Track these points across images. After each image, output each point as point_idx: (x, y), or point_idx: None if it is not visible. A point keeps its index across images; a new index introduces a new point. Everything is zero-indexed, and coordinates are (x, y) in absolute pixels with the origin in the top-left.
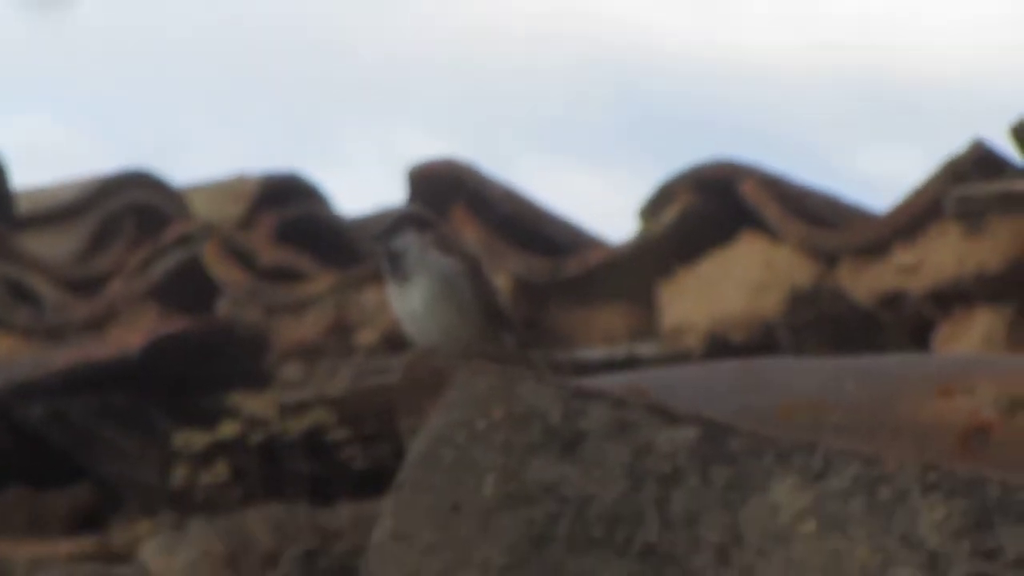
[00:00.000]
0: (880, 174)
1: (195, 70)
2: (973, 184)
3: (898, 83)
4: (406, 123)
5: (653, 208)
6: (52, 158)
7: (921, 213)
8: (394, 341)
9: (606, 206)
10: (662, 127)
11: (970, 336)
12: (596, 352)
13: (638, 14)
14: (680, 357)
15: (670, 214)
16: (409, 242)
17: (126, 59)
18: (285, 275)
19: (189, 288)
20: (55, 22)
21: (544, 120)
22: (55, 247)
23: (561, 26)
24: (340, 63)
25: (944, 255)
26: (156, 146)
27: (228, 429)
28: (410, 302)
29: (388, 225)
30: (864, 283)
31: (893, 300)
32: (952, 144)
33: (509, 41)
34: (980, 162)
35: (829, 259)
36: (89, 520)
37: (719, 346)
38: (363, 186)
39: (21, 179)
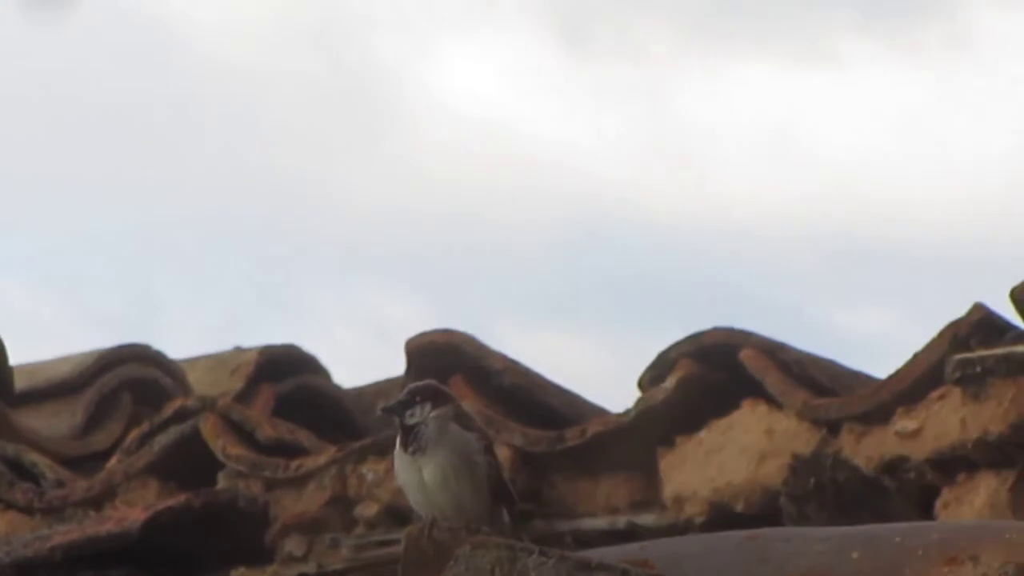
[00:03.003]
0: (862, 333)
1: (166, 229)
2: (975, 349)
3: (880, 239)
4: (377, 283)
5: (652, 376)
6: (23, 327)
7: (922, 378)
8: (396, 514)
9: (582, 369)
10: (638, 286)
11: (973, 501)
12: (598, 522)
13: (613, 170)
14: (682, 527)
15: (670, 383)
16: (426, 415)
17: (95, 219)
18: (285, 448)
19: (189, 463)
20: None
21: (519, 280)
22: (53, 423)
23: (535, 182)
24: (310, 221)
25: (946, 420)
26: (128, 312)
27: None
28: (423, 473)
29: (401, 398)
30: (866, 449)
31: (895, 466)
32: (936, 303)
33: (483, 195)
34: (981, 325)
35: (831, 426)
36: None
37: (722, 515)
38: (334, 347)
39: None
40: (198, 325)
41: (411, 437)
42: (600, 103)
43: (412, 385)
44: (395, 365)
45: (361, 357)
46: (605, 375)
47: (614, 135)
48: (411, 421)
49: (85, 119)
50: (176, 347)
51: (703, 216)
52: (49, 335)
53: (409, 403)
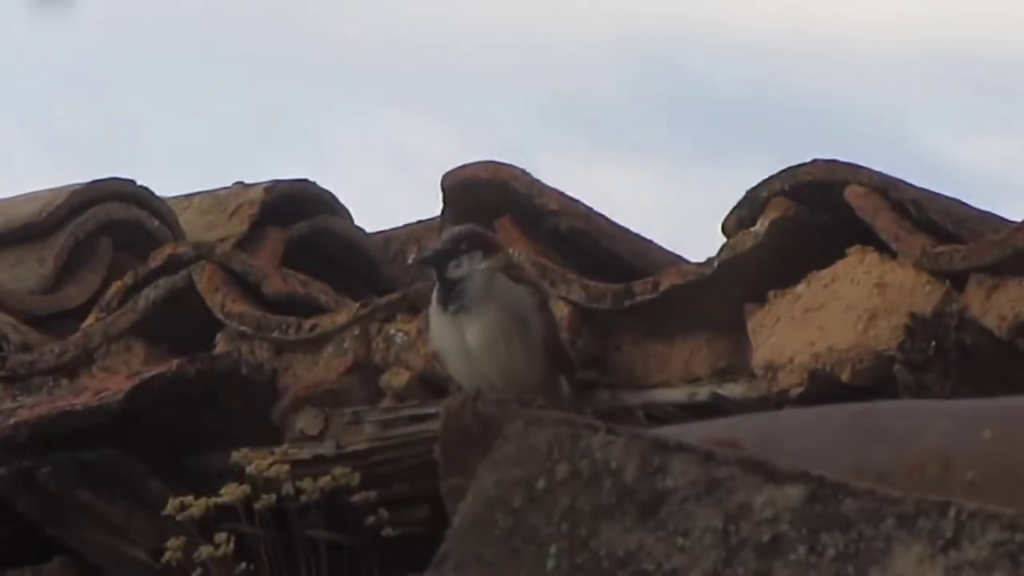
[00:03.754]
0: (976, 169)
1: (141, 44)
2: None
3: (1003, 59)
4: (394, 109)
5: (739, 219)
6: None
7: None
8: (431, 383)
9: (646, 211)
10: (714, 114)
11: None
12: (675, 393)
13: None
14: (777, 400)
15: (761, 227)
16: (474, 266)
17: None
18: (297, 305)
19: (181, 322)
20: (50, 20)
21: (566, 104)
22: (16, 274)
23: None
24: (323, 42)
25: None
26: (98, 139)
27: (231, 492)
28: (467, 337)
29: (442, 246)
30: (998, 307)
31: None
32: None
33: (524, 17)
34: None
35: (955, 279)
36: None
37: (824, 386)
38: (343, 175)
39: None
40: (182, 157)
41: (452, 293)
42: None
43: (455, 230)
44: (423, 204)
45: (379, 195)
46: (674, 218)
47: None
48: (456, 274)
49: None
50: (159, 183)
51: (793, 32)
52: (3, 165)
53: (452, 252)
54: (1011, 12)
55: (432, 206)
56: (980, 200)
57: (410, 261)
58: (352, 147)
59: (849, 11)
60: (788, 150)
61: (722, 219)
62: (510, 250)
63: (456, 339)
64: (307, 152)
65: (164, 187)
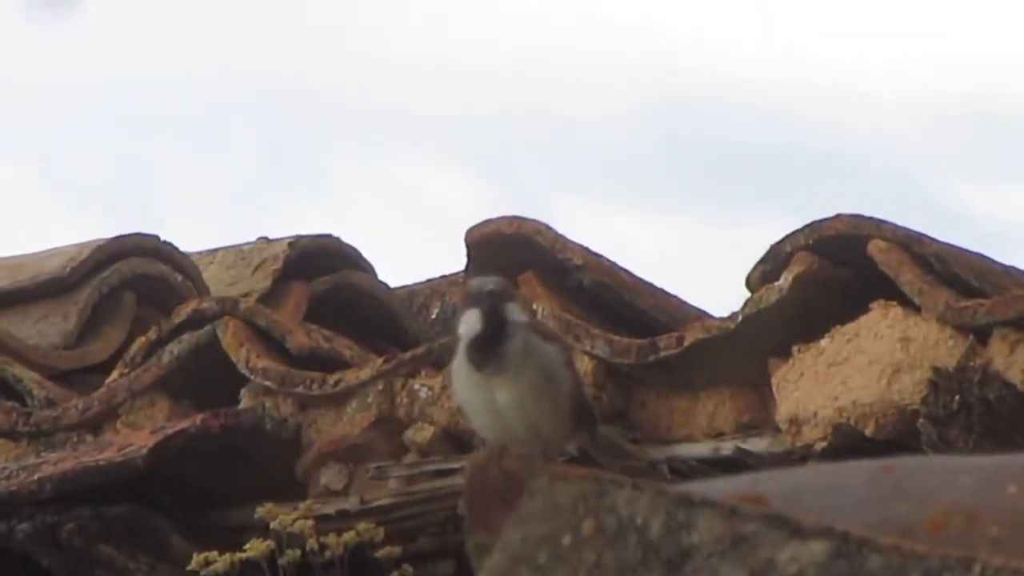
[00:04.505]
0: (989, 215)
1: (157, 88)
2: None
3: (1007, 108)
4: (410, 156)
5: (764, 273)
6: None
7: None
8: (455, 438)
9: (661, 258)
10: (728, 162)
11: None
12: (699, 448)
13: (699, 28)
14: (801, 454)
15: (785, 281)
16: (519, 316)
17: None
18: (321, 360)
19: (205, 377)
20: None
21: (580, 155)
22: (41, 329)
23: (608, 37)
24: (340, 90)
25: None
26: (115, 185)
27: (256, 548)
28: (497, 395)
29: (495, 288)
30: (1021, 362)
31: None
32: None
33: (544, 51)
34: None
35: (978, 333)
36: None
37: (847, 440)
38: (358, 223)
39: None
40: (197, 205)
41: (488, 349)
42: None
43: (492, 279)
44: (439, 254)
45: (394, 244)
46: (690, 271)
47: None
48: (513, 317)
49: None
50: (173, 228)
51: (804, 81)
52: (22, 211)
53: (504, 295)
54: None
55: (447, 255)
56: (995, 249)
57: (434, 315)
58: (367, 195)
59: (858, 56)
60: (805, 202)
61: (745, 273)
62: (532, 306)
63: (485, 395)
64: (321, 199)
65: (178, 233)
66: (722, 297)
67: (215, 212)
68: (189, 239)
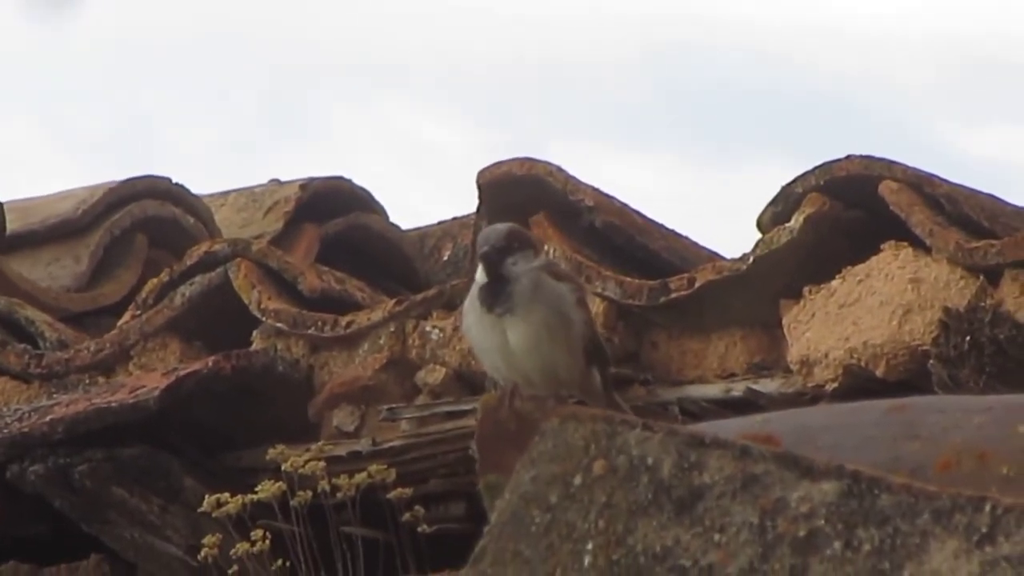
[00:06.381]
0: (998, 158)
1: (154, 38)
2: None
3: (1008, 52)
4: (403, 101)
5: (775, 215)
6: None
7: None
8: (466, 380)
9: (660, 200)
10: (727, 103)
11: None
12: (710, 389)
13: None
14: (812, 395)
15: (796, 222)
16: (529, 264)
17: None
18: (332, 302)
19: (217, 319)
20: (57, 22)
21: (573, 97)
22: (52, 271)
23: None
24: (339, 33)
25: None
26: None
27: (267, 489)
28: (509, 336)
29: (498, 243)
30: None
31: None
32: None
33: (532, 10)
34: None
35: (989, 274)
36: None
37: (858, 381)
38: (356, 166)
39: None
40: (198, 149)
41: (500, 293)
42: None
43: (504, 228)
44: (442, 198)
45: (396, 187)
46: (691, 209)
47: None
48: (512, 272)
49: None
50: (176, 175)
51: (803, 21)
52: (24, 160)
53: (508, 249)
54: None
55: (448, 200)
56: (987, 186)
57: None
58: (367, 141)
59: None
60: (804, 143)
61: (744, 213)
62: (546, 247)
63: (497, 337)
64: (321, 145)
65: (180, 179)
66: (721, 237)
67: (215, 160)
68: (183, 178)
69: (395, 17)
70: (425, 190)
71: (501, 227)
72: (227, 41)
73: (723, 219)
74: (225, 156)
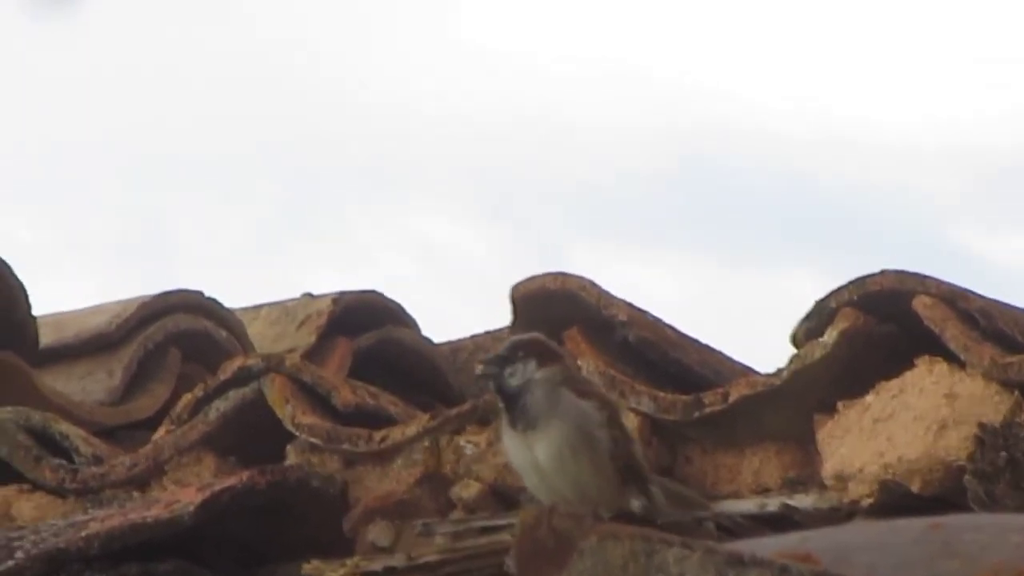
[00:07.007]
0: (1009, 265)
1: (173, 141)
2: None
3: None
4: (424, 205)
5: (808, 329)
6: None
7: None
8: (501, 494)
9: (676, 303)
10: (747, 210)
11: None
12: (745, 504)
13: (716, 79)
14: (847, 511)
15: (829, 337)
16: (529, 375)
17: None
18: (366, 416)
19: (251, 434)
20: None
21: (594, 201)
22: (86, 386)
23: (623, 87)
24: (346, 136)
25: None
26: (136, 238)
27: None
28: (535, 452)
29: (501, 352)
30: None
31: None
32: None
33: (558, 98)
34: None
35: None
36: None
37: (894, 497)
38: (380, 276)
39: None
40: (217, 255)
41: (517, 409)
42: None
43: (514, 338)
44: (454, 303)
45: (411, 293)
46: (709, 318)
47: (715, 39)
48: (511, 382)
49: None
50: (192, 279)
51: (825, 133)
52: (46, 265)
53: (509, 359)
54: None
55: (473, 310)
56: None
57: (477, 370)
58: (384, 245)
59: (881, 110)
60: (824, 249)
61: (775, 325)
62: (577, 362)
63: (527, 455)
64: (341, 248)
65: (200, 283)
66: (745, 346)
67: (234, 265)
68: (203, 282)
69: (410, 116)
70: (447, 295)
71: (513, 337)
72: (243, 143)
73: (749, 329)
74: (243, 261)
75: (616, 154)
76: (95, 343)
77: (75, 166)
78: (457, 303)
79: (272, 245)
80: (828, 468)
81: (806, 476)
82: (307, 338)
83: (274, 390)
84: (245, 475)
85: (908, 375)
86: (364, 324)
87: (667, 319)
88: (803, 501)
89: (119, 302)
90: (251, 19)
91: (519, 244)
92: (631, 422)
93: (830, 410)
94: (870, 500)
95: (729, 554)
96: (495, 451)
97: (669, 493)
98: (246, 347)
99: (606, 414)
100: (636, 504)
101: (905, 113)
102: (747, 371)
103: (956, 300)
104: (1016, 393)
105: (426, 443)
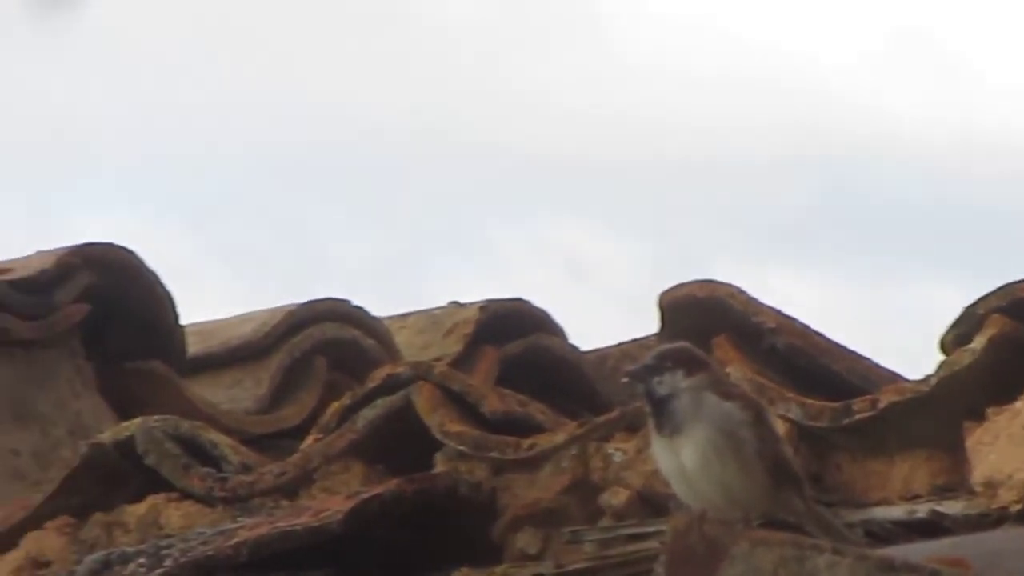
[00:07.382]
0: None
1: (314, 154)
2: None
3: None
4: (567, 216)
5: (957, 336)
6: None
7: None
8: (651, 502)
9: (821, 311)
10: (891, 217)
11: None
12: (894, 511)
13: (855, 91)
14: (996, 517)
15: (978, 344)
16: (677, 384)
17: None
18: (515, 424)
19: (399, 442)
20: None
21: (739, 213)
22: (234, 394)
23: (765, 96)
24: (490, 147)
25: None
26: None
27: None
28: (681, 458)
29: (648, 362)
30: None
31: None
32: None
33: (699, 107)
34: None
35: None
36: None
37: None
38: (517, 284)
39: None
40: (354, 263)
41: (663, 415)
42: (844, 12)
43: (662, 348)
44: (600, 312)
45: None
46: (855, 326)
47: (862, 50)
48: (660, 391)
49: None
50: (327, 288)
51: (970, 136)
52: (193, 274)
53: (657, 368)
54: None
55: (609, 314)
56: None
57: (622, 379)
58: (524, 254)
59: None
60: (967, 254)
61: (905, 330)
62: (725, 370)
63: (673, 461)
64: (484, 259)
65: (336, 292)
66: (892, 353)
67: (376, 276)
68: (338, 290)
69: (549, 121)
70: (593, 305)
71: (662, 346)
72: (378, 152)
73: (894, 336)
74: (384, 267)
75: (756, 152)
76: (242, 352)
77: (223, 177)
78: (602, 313)
79: (415, 256)
80: (977, 474)
81: (955, 483)
82: (454, 346)
83: (422, 398)
84: (393, 483)
85: None
86: (511, 332)
87: (815, 325)
88: (952, 507)
89: (266, 311)
90: (403, 39)
91: (664, 254)
92: (780, 429)
93: (979, 416)
94: (1019, 506)
95: (880, 559)
96: (643, 458)
97: (817, 516)
98: (393, 355)
99: (751, 413)
100: (797, 503)
101: None
102: (896, 378)
103: None
104: None
105: (574, 450)
